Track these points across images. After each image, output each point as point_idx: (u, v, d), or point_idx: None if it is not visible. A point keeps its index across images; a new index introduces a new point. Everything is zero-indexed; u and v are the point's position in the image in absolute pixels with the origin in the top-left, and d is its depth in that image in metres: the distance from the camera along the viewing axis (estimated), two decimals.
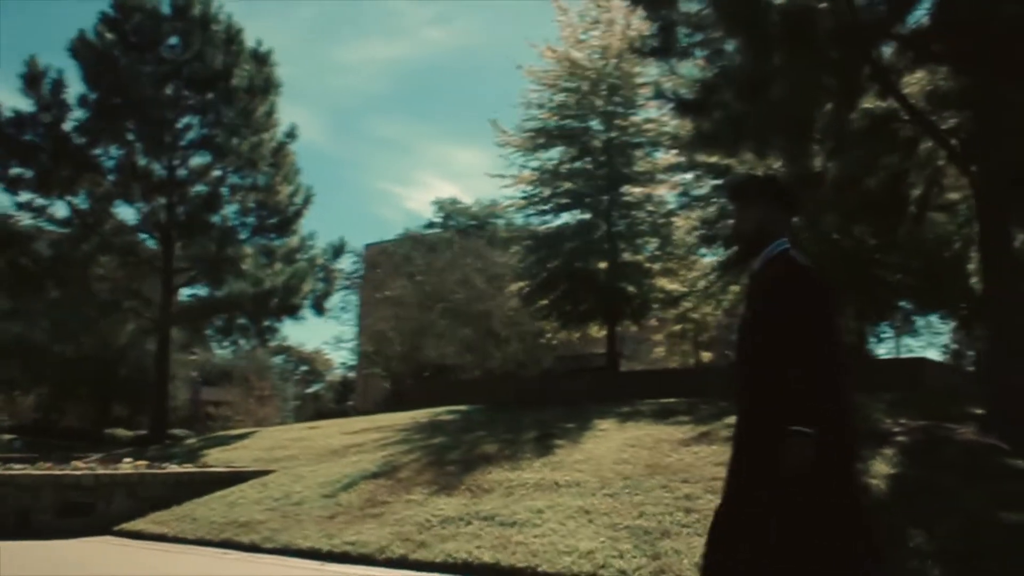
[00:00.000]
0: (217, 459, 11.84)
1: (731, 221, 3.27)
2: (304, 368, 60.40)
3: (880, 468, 7.49)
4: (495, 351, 26.46)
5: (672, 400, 14.26)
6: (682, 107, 10.65)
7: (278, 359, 54.62)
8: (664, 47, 10.21)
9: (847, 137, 9.09)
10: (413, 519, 7.49)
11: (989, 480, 6.92)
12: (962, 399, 10.51)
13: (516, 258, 22.68)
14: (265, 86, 19.50)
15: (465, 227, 44.00)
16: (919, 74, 9.30)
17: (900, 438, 8.75)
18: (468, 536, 6.82)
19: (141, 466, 10.01)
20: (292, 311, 17.38)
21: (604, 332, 23.39)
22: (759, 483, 2.80)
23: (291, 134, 20.05)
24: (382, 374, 37.64)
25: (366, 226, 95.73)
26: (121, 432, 27.71)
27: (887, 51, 9.32)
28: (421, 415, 15.53)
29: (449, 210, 48.19)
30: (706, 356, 29.07)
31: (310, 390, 60.10)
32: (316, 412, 43.43)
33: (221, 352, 36.90)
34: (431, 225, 45.10)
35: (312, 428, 15.21)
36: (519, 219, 24.84)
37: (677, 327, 25.24)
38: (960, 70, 8.66)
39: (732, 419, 3.25)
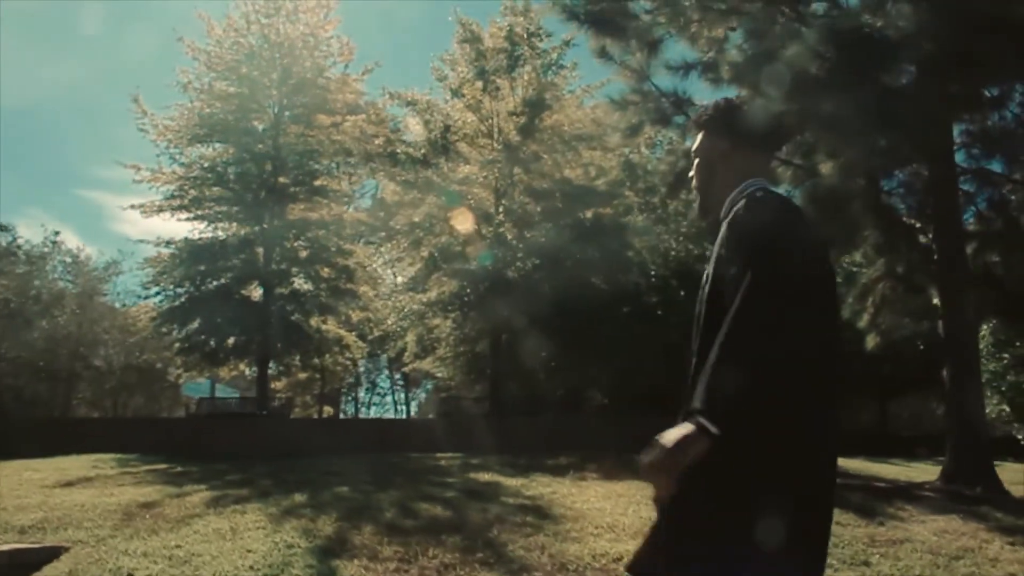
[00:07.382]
0: None
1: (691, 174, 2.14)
2: None
3: None
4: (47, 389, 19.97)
5: (493, 455, 11.68)
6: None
7: None
8: None
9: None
10: None
11: None
12: None
13: (154, 271, 17.24)
14: None
15: None
16: None
17: None
18: None
19: None
20: None
21: (235, 373, 19.31)
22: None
23: None
24: None
25: None
26: None
27: None
28: (95, 462, 10.53)
29: None
30: (328, 410, 25.74)
31: None
32: None
33: None
34: None
35: None
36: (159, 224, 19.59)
37: (303, 375, 21.86)
38: None
39: None
